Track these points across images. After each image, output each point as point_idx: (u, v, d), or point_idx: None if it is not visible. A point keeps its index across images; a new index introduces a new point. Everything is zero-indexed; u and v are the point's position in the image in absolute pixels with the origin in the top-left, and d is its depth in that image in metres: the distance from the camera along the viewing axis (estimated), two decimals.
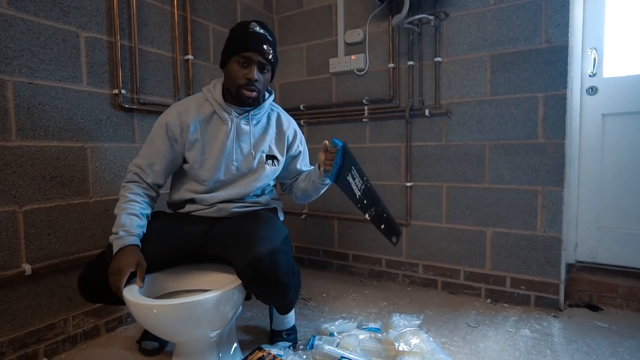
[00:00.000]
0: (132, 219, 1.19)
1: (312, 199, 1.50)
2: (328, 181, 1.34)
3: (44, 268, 1.37)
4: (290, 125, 1.46)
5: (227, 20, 2.14)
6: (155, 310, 1.03)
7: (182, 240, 1.30)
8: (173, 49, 1.83)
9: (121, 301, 1.09)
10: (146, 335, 1.47)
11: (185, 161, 1.33)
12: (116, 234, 1.16)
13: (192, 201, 1.37)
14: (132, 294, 1.06)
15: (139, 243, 1.18)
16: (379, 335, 1.47)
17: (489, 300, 1.91)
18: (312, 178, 1.39)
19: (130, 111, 1.65)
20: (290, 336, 1.50)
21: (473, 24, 1.88)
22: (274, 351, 1.33)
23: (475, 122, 1.91)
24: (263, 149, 1.37)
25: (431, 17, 1.90)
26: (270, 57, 1.27)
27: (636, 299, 1.74)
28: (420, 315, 1.59)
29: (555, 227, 1.76)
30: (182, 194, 1.36)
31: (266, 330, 1.59)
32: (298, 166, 1.49)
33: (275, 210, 1.46)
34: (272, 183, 1.47)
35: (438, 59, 1.96)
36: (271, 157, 1.39)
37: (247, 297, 1.28)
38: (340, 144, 1.23)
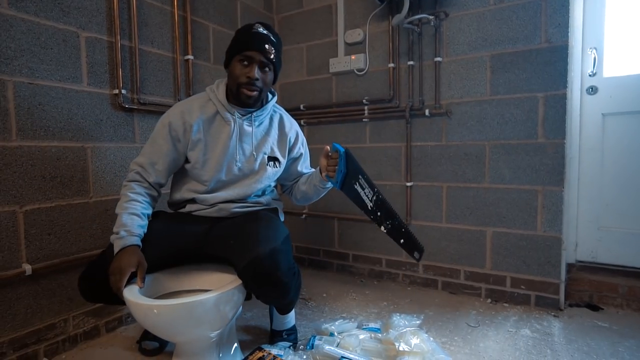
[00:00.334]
0: (133, 219, 1.19)
1: (312, 201, 1.51)
2: (329, 185, 1.34)
3: (44, 268, 1.37)
4: (292, 127, 1.46)
5: (227, 20, 2.14)
6: (155, 311, 1.03)
7: (183, 240, 1.30)
8: (173, 49, 1.83)
9: (121, 301, 1.09)
10: (146, 335, 1.47)
11: (187, 161, 1.33)
12: (117, 233, 1.16)
13: (193, 201, 1.37)
14: (132, 294, 1.06)
15: (140, 243, 1.18)
16: (379, 335, 1.47)
17: (489, 300, 1.91)
18: (314, 182, 1.39)
19: (130, 111, 1.65)
20: (290, 336, 1.50)
21: (473, 23, 1.88)
22: (274, 351, 1.33)
23: (476, 122, 1.91)
24: (265, 150, 1.38)
25: (431, 17, 1.90)
26: (272, 56, 1.27)
27: (636, 298, 1.74)
28: (420, 315, 1.59)
29: (556, 227, 1.76)
30: (183, 193, 1.36)
31: (266, 330, 1.59)
32: (299, 168, 1.50)
33: (275, 210, 1.46)
34: (273, 184, 1.47)
35: (438, 58, 1.96)
36: (273, 159, 1.40)
37: (247, 297, 1.28)
38: (342, 150, 1.21)
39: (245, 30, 1.29)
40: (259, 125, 1.37)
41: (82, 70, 1.48)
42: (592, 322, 1.66)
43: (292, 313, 1.52)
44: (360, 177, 1.22)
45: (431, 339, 1.40)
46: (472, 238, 1.96)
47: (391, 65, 2.09)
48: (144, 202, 1.26)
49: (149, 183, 1.30)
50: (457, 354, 1.42)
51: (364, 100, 2.18)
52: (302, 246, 2.53)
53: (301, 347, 1.45)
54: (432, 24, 1.93)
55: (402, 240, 1.22)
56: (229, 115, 1.32)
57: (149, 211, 1.28)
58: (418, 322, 1.51)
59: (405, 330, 1.39)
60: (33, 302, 1.36)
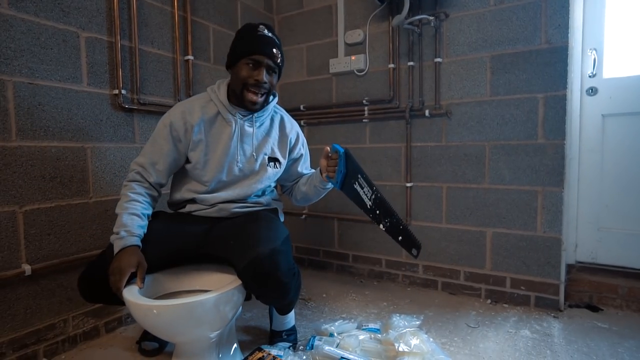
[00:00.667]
0: (133, 219, 1.19)
1: (312, 202, 1.51)
2: (330, 185, 1.34)
3: (44, 268, 1.37)
4: (293, 128, 1.47)
5: (228, 20, 2.14)
6: (155, 311, 1.02)
7: (183, 241, 1.29)
8: (173, 50, 1.83)
9: (121, 301, 1.09)
10: (146, 335, 1.47)
11: (187, 161, 1.33)
12: (117, 234, 1.16)
13: (193, 201, 1.37)
14: (132, 294, 1.06)
15: (140, 243, 1.17)
16: (379, 335, 1.47)
17: (489, 301, 1.91)
18: (314, 182, 1.39)
19: (130, 111, 1.65)
20: (290, 337, 1.50)
21: (473, 24, 1.89)
22: (274, 352, 1.33)
23: (475, 122, 1.91)
24: (265, 151, 1.38)
25: (431, 18, 1.90)
26: (279, 60, 1.29)
27: (636, 299, 1.74)
28: (420, 315, 1.59)
29: (555, 228, 1.76)
30: (183, 193, 1.36)
31: (266, 331, 1.59)
32: (299, 169, 1.50)
33: (275, 210, 1.47)
34: (273, 184, 1.47)
35: (438, 59, 1.96)
36: (273, 160, 1.40)
37: (247, 298, 1.28)
38: (341, 150, 1.22)
39: (251, 32, 1.28)
40: (259, 126, 1.38)
41: (82, 70, 1.48)
42: (592, 323, 1.66)
43: (292, 313, 1.52)
44: (359, 176, 1.22)
45: (431, 339, 1.40)
46: (472, 239, 1.96)
47: (391, 65, 2.09)
48: (144, 202, 1.26)
49: (150, 183, 1.30)
50: (457, 355, 1.42)
51: (364, 101, 2.18)
52: (302, 246, 2.53)
53: (301, 347, 1.45)
54: (432, 24, 1.93)
55: (400, 238, 1.23)
56: (230, 116, 1.32)
57: (149, 211, 1.28)
58: (418, 322, 1.51)
59: (404, 330, 1.39)
60: (32, 302, 1.36)
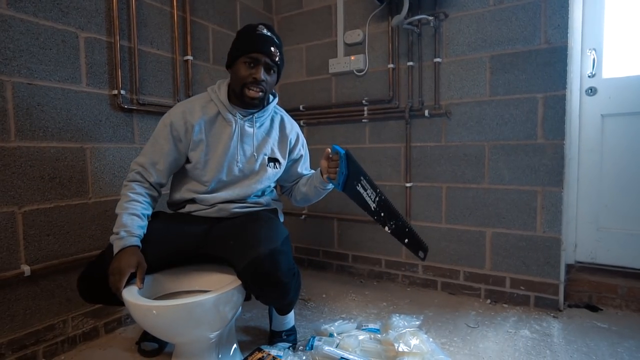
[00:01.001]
0: (133, 219, 1.19)
1: (312, 203, 1.51)
2: (330, 186, 1.34)
3: (43, 269, 1.37)
4: (293, 128, 1.47)
5: (227, 21, 2.14)
6: (154, 311, 1.02)
7: (182, 241, 1.29)
8: (172, 50, 1.83)
9: (121, 302, 1.09)
10: (145, 336, 1.46)
11: (188, 161, 1.33)
12: (117, 234, 1.16)
13: (192, 201, 1.37)
14: (131, 294, 1.05)
15: (139, 244, 1.17)
16: (379, 335, 1.47)
17: (488, 301, 1.91)
18: (314, 183, 1.39)
19: (129, 112, 1.65)
20: (289, 337, 1.50)
21: (472, 24, 1.89)
22: (274, 352, 1.33)
23: (475, 122, 1.91)
24: (265, 151, 1.38)
25: (431, 18, 1.90)
26: (277, 59, 1.29)
27: (635, 299, 1.74)
28: (419, 315, 1.59)
29: (555, 228, 1.76)
30: (183, 193, 1.36)
31: (266, 331, 1.59)
32: (299, 169, 1.50)
33: (275, 211, 1.47)
34: (272, 184, 1.47)
35: (438, 59, 1.96)
36: (273, 160, 1.40)
37: (247, 298, 1.28)
38: (342, 151, 1.22)
39: (250, 31, 1.29)
40: (260, 127, 1.38)
41: (81, 70, 1.47)
42: (592, 322, 1.66)
43: (292, 314, 1.52)
44: (362, 178, 1.22)
45: (430, 339, 1.40)
46: (471, 239, 1.96)
47: (391, 65, 2.09)
48: (144, 202, 1.26)
49: (150, 183, 1.29)
50: (457, 355, 1.42)
51: (364, 101, 2.18)
52: (302, 247, 2.53)
53: (300, 347, 1.45)
54: (431, 24, 1.93)
55: (406, 240, 1.22)
56: (230, 116, 1.32)
57: (149, 211, 1.28)
58: (417, 322, 1.51)
59: (404, 330, 1.39)
60: (32, 303, 1.36)
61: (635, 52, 1.77)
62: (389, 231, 1.23)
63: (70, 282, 1.45)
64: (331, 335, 1.47)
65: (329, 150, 1.26)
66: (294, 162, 1.49)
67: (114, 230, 1.18)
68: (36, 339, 1.37)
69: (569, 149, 1.78)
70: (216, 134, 1.32)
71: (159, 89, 1.77)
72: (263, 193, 1.45)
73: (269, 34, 1.29)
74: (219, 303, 1.09)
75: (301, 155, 1.50)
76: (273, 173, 1.40)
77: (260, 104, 1.32)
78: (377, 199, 1.22)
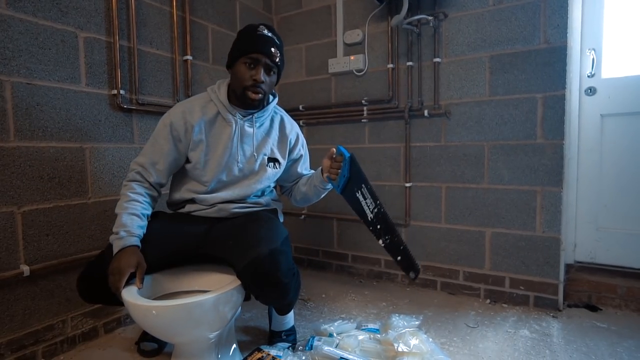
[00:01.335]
0: (133, 219, 1.19)
1: (312, 203, 1.51)
2: (330, 186, 1.34)
3: (43, 269, 1.37)
4: (293, 128, 1.47)
5: (227, 20, 2.14)
6: (154, 312, 1.02)
7: (182, 241, 1.29)
8: (172, 50, 1.82)
9: (120, 302, 1.09)
10: (145, 336, 1.46)
11: (187, 161, 1.33)
12: (117, 234, 1.16)
13: (192, 201, 1.37)
14: (131, 294, 1.05)
15: (139, 244, 1.17)
16: (378, 335, 1.47)
17: (488, 301, 1.91)
18: (314, 182, 1.39)
19: (129, 112, 1.64)
20: (289, 337, 1.50)
21: (472, 24, 1.89)
22: (273, 352, 1.33)
23: (475, 122, 1.91)
24: (265, 151, 1.38)
25: (430, 18, 1.90)
26: (277, 60, 1.29)
27: (635, 299, 1.75)
28: (419, 315, 1.59)
29: (554, 228, 1.76)
30: (183, 193, 1.36)
31: (265, 331, 1.59)
32: (299, 170, 1.50)
33: (275, 211, 1.47)
34: (272, 184, 1.47)
35: (437, 59, 1.96)
36: (273, 160, 1.40)
37: (246, 298, 1.28)
38: (347, 154, 1.21)
39: (250, 32, 1.29)
40: (259, 127, 1.38)
41: (80, 70, 1.47)
42: (591, 322, 1.66)
43: (291, 314, 1.52)
44: (363, 186, 1.21)
45: (430, 339, 1.40)
46: (471, 238, 1.96)
47: (390, 65, 2.09)
48: (144, 202, 1.26)
49: (150, 183, 1.29)
50: (456, 355, 1.42)
51: (363, 101, 2.18)
52: (302, 247, 2.53)
53: (300, 347, 1.45)
54: (431, 24, 1.93)
55: (399, 258, 1.21)
56: (230, 116, 1.32)
57: (149, 211, 1.28)
58: (417, 322, 1.51)
59: (404, 330, 1.39)
60: (31, 303, 1.36)
61: (634, 52, 1.77)
62: (383, 245, 1.22)
63: (69, 282, 1.45)
64: (331, 335, 1.47)
65: (334, 150, 1.26)
66: (293, 162, 1.49)
67: (114, 230, 1.18)
68: (35, 339, 1.37)
69: (568, 149, 1.78)
70: (216, 134, 1.32)
71: (158, 89, 1.77)
72: (263, 193, 1.45)
73: (269, 34, 1.29)
74: (219, 303, 1.09)
75: (301, 155, 1.50)
76: (273, 173, 1.40)
77: (260, 105, 1.32)
78: (375, 210, 1.20)
